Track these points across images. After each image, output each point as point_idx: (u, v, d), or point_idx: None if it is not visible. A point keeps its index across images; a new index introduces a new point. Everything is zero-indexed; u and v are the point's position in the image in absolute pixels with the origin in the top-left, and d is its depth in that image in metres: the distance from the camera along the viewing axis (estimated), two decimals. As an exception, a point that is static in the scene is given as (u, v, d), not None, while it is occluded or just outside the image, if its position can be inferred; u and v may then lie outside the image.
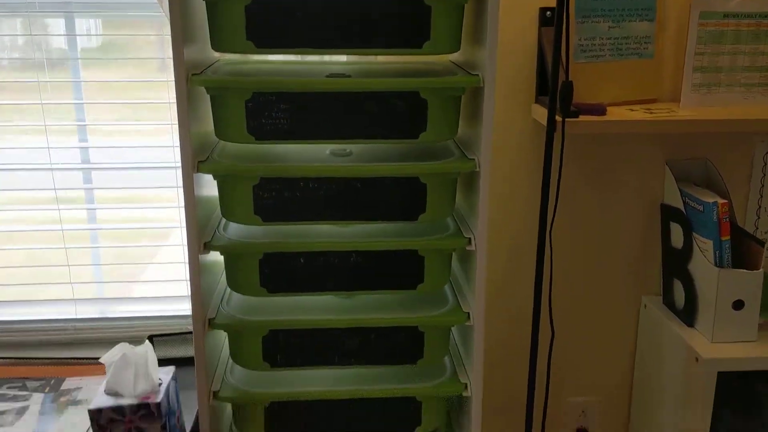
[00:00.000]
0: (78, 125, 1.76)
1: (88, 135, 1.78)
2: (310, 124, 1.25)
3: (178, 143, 1.20)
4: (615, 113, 1.56)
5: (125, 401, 1.29)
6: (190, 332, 1.46)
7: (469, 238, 1.30)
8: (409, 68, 1.39)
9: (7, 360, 1.73)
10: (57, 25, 1.71)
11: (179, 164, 1.21)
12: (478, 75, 1.24)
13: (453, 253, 1.39)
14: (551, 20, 1.60)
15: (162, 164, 1.78)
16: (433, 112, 1.25)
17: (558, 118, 1.48)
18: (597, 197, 1.77)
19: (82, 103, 1.75)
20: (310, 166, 1.25)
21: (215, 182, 1.29)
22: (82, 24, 1.72)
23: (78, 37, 1.72)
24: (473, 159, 1.28)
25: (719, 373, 1.53)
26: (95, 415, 1.28)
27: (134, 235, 1.85)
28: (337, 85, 1.23)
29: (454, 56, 1.48)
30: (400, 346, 1.35)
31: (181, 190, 1.22)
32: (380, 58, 1.51)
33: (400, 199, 1.29)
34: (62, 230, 1.79)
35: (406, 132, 1.26)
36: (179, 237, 1.84)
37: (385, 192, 1.29)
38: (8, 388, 1.60)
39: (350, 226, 1.37)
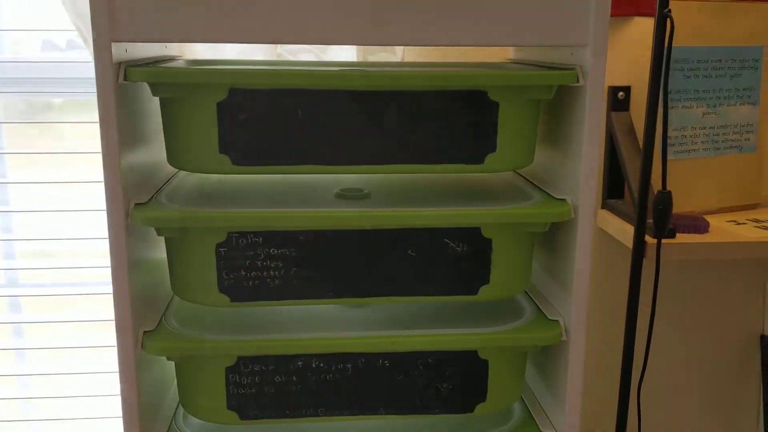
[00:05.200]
0: None
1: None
2: (309, 276, 0.83)
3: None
4: (719, 230, 1.16)
5: None
6: None
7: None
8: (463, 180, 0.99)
9: None
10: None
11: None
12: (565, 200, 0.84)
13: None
14: (625, 103, 1.23)
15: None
16: (497, 267, 0.84)
17: (649, 240, 1.09)
18: (684, 327, 1.38)
19: None
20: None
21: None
22: None
23: None
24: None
25: None
26: None
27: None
28: (351, 222, 0.82)
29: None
30: None
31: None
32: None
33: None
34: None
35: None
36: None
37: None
38: None
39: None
